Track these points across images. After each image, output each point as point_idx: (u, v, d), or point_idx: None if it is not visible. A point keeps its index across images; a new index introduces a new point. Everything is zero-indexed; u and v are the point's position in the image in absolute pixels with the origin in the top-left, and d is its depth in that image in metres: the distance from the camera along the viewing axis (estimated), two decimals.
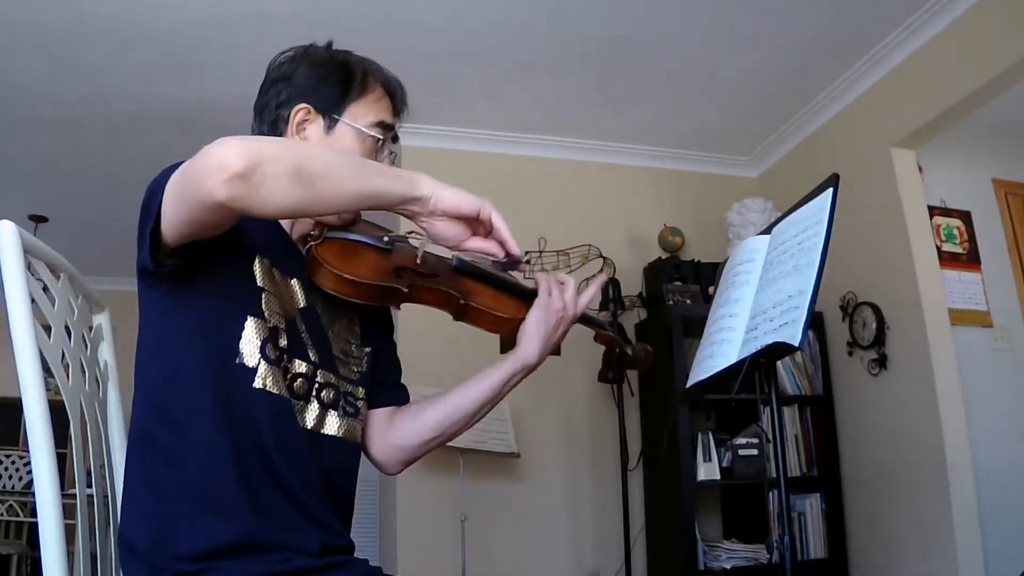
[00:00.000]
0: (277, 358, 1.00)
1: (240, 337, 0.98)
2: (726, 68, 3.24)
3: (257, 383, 0.97)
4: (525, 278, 1.18)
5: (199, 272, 0.96)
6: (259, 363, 0.98)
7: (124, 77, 3.18)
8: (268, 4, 2.76)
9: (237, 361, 0.97)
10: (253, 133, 1.14)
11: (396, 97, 1.17)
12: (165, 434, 0.95)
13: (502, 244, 1.02)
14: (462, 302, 1.11)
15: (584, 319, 1.21)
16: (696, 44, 3.08)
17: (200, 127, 3.53)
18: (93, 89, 3.27)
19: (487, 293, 1.15)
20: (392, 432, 1.20)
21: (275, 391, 0.99)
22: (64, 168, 4.04)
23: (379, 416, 1.20)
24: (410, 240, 1.15)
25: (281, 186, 0.82)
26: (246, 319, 0.98)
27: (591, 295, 1.18)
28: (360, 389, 1.14)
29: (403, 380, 1.28)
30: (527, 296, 1.17)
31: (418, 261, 1.10)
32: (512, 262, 1.05)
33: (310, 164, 0.86)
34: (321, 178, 0.86)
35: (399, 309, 1.19)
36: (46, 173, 4.11)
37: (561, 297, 1.14)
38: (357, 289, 1.03)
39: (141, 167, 3.89)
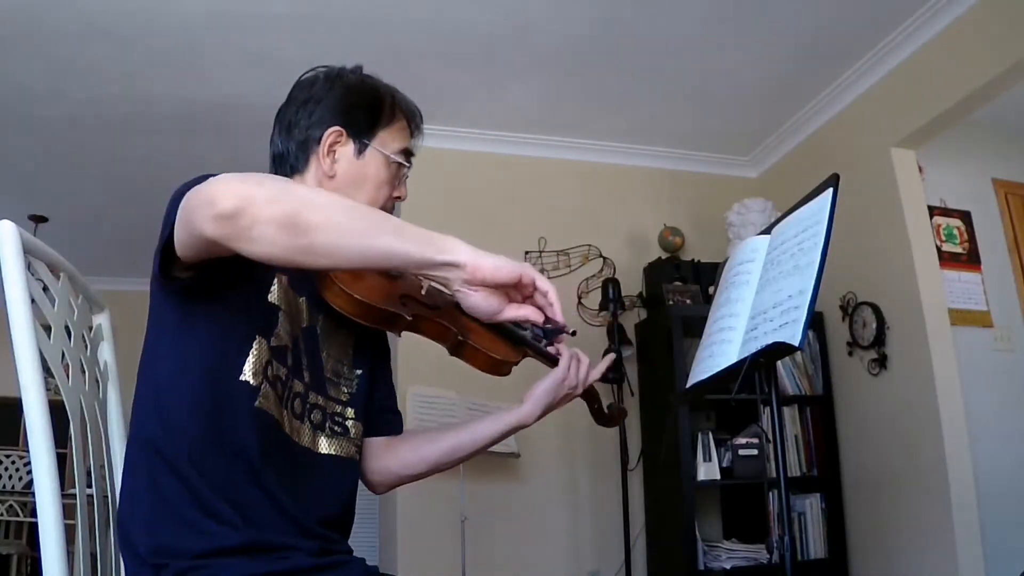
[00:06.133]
0: (277, 378, 1.01)
1: (248, 355, 0.98)
2: (726, 68, 3.24)
3: (259, 402, 0.98)
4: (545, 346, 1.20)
5: (217, 288, 0.95)
6: (262, 383, 0.98)
7: (124, 77, 3.18)
8: (268, 4, 2.76)
9: (240, 378, 0.97)
10: (276, 148, 1.15)
11: (415, 125, 1.20)
12: (166, 441, 0.95)
13: (543, 310, 0.93)
14: (460, 339, 1.12)
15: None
16: (696, 44, 3.08)
17: (200, 127, 3.53)
18: (93, 89, 3.26)
19: (485, 334, 1.16)
20: (390, 459, 1.23)
21: (273, 410, 1.00)
22: (64, 168, 4.04)
23: (377, 443, 1.23)
24: None
25: (269, 232, 0.78)
26: (255, 337, 0.99)
27: (600, 372, 1.24)
28: (349, 409, 1.14)
29: (401, 378, 1.29)
30: (522, 343, 1.20)
31: (423, 292, 1.11)
32: (555, 330, 0.96)
33: (309, 214, 0.80)
34: (319, 230, 0.80)
35: (399, 336, 1.20)
36: (46, 173, 4.10)
37: (576, 376, 1.20)
38: (363, 309, 1.03)
39: (141, 167, 3.95)
